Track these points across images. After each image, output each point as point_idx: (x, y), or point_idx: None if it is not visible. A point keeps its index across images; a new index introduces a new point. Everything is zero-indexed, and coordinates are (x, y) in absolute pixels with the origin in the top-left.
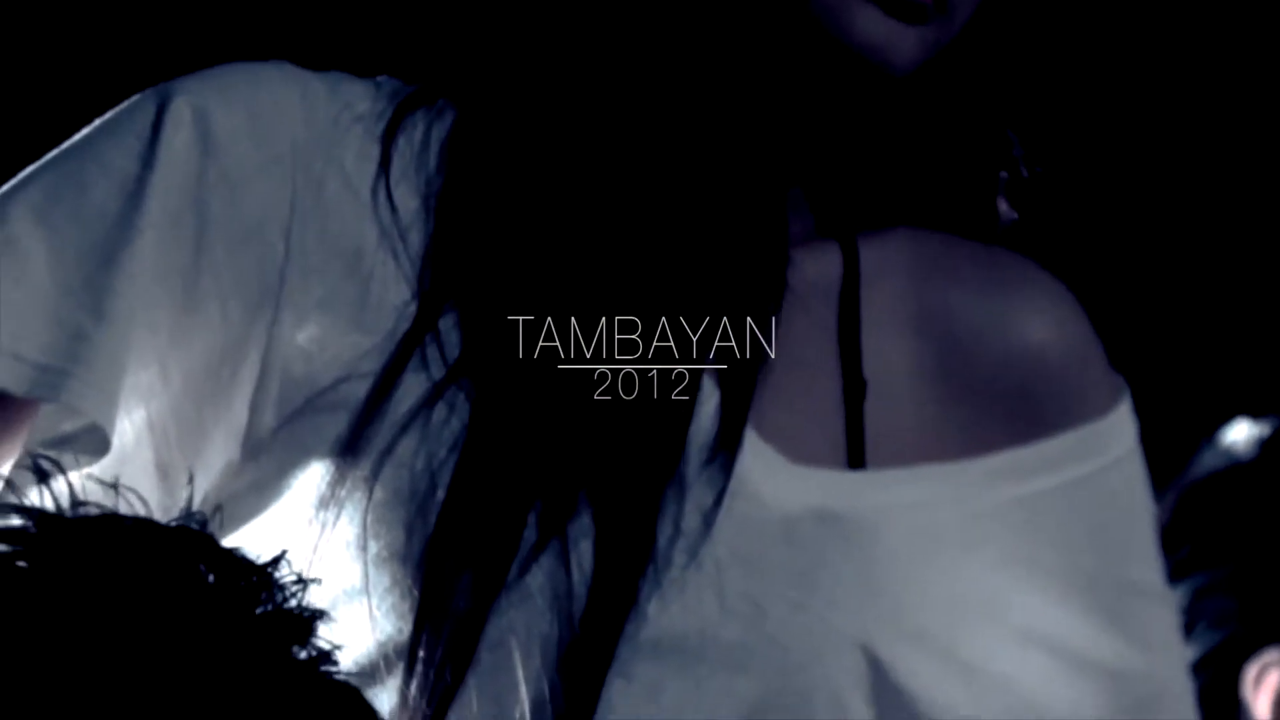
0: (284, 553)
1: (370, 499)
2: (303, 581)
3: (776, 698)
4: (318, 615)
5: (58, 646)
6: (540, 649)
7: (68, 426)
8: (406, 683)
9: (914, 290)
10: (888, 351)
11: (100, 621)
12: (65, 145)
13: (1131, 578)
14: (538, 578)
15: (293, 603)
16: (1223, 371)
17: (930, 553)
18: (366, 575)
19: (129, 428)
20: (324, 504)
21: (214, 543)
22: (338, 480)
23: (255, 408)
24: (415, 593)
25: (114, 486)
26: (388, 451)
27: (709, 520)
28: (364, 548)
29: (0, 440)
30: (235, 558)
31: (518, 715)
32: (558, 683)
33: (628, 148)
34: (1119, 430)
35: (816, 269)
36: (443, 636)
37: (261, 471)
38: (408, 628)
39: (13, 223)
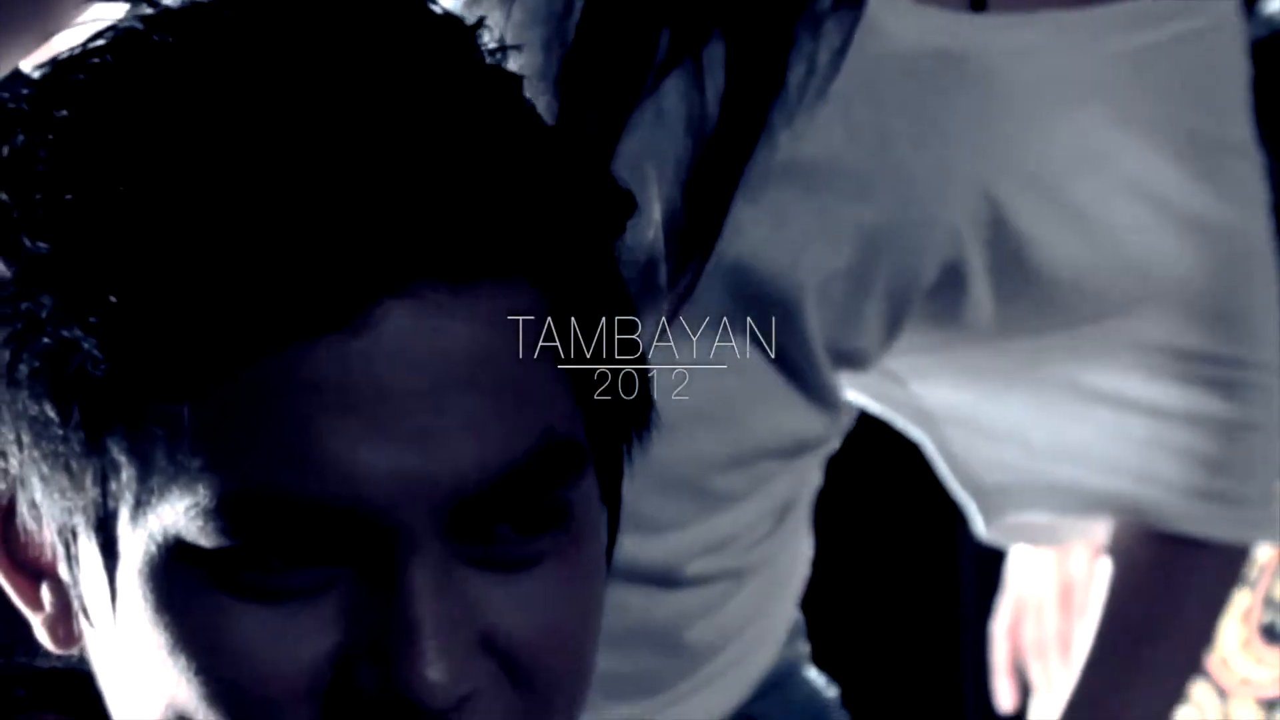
0: (483, 19)
1: (508, 19)
2: (503, 49)
3: (897, 229)
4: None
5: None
6: (673, 170)
7: None
8: None
9: None
10: None
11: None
12: None
13: (1228, 137)
14: (671, 99)
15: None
16: None
17: (1045, 99)
18: None
19: None
20: None
21: None
22: (473, 3)
23: None
24: (554, 108)
25: None
26: None
27: (839, 57)
28: None
29: None
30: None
31: (650, 235)
32: (686, 204)
33: None
34: None
35: None
36: None
37: None
38: None
39: None
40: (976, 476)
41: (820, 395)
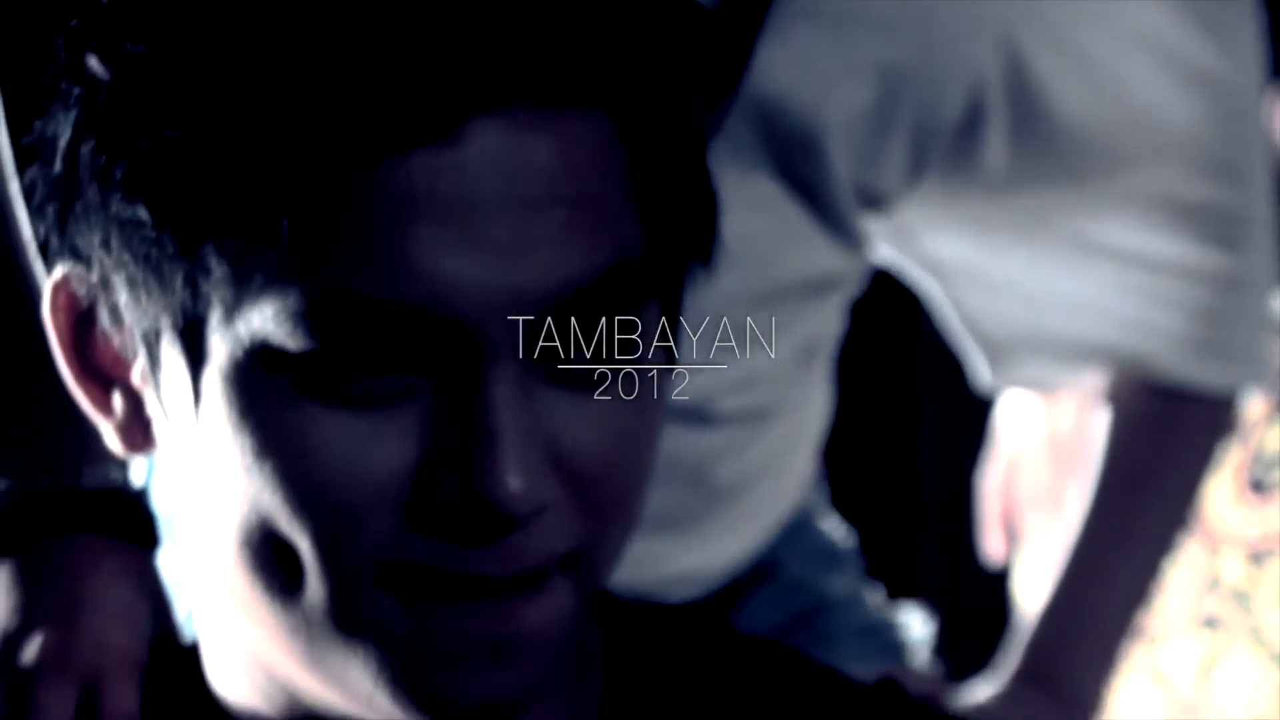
0: None
1: None
2: None
3: (921, 69)
4: None
5: None
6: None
7: None
8: None
9: None
10: None
11: None
12: None
13: None
14: None
15: None
16: None
17: None
18: None
19: None
20: None
21: None
22: None
23: None
24: None
25: None
26: None
27: None
28: None
29: None
30: None
31: None
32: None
33: None
34: None
35: None
36: None
37: None
38: None
39: None
40: (982, 328)
41: (844, 233)
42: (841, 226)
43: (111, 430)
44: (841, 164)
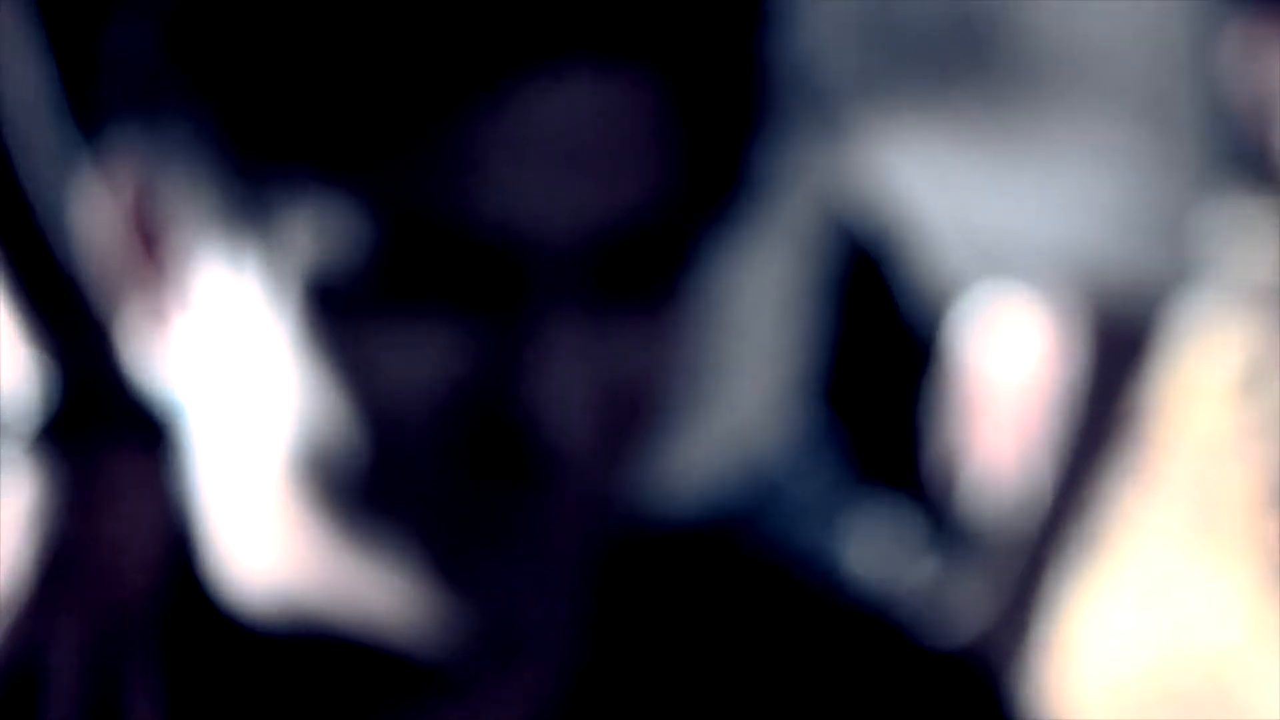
0: None
1: None
2: None
3: None
4: None
5: None
6: None
7: None
8: None
9: None
10: None
11: None
12: None
13: None
14: None
15: None
16: None
17: None
18: None
19: None
20: None
21: None
22: None
23: None
24: None
25: None
26: None
27: None
28: None
29: None
30: None
31: None
32: None
33: None
34: None
35: None
36: None
37: None
38: None
39: None
40: (944, 252)
41: None
42: None
43: (140, 317)
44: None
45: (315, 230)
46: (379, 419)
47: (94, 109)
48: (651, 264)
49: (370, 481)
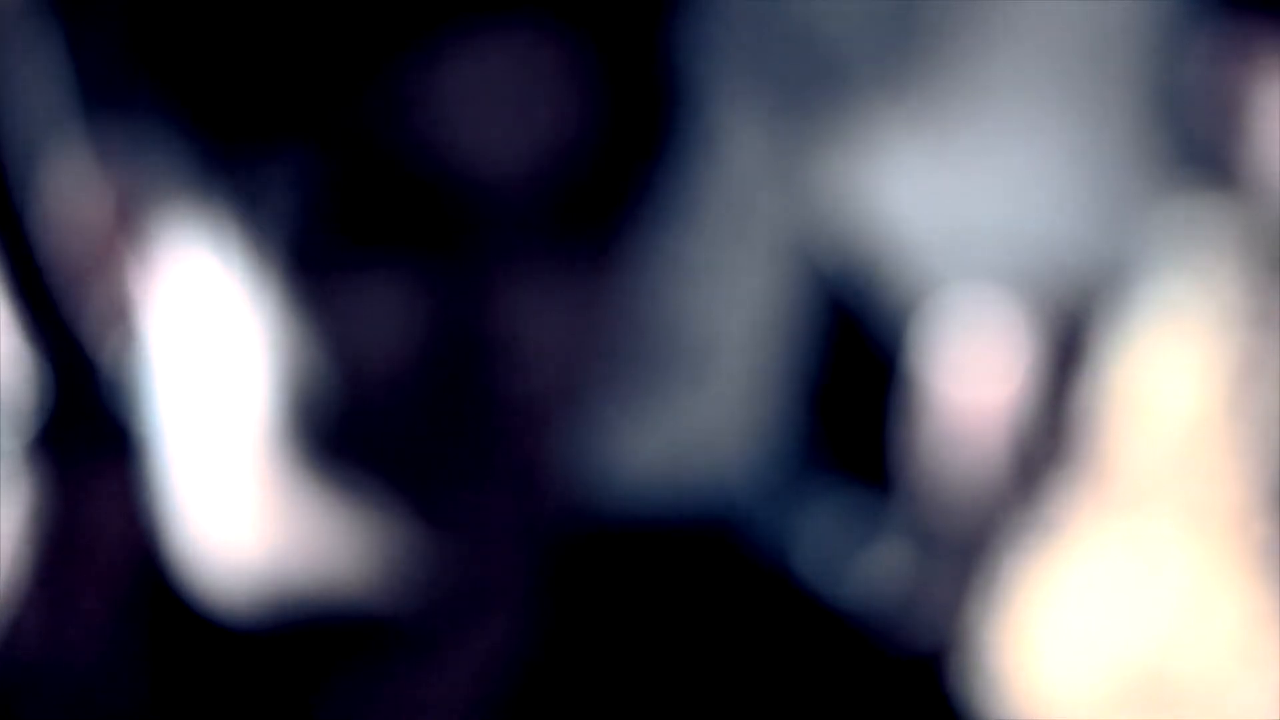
0: None
1: None
2: None
3: None
4: None
5: None
6: None
7: None
8: None
9: None
10: None
11: None
12: None
13: None
14: None
15: None
16: None
17: None
18: None
19: None
20: None
21: None
22: None
23: None
24: None
25: None
26: None
27: None
28: None
29: None
30: None
31: None
32: None
33: None
34: None
35: None
36: None
37: None
38: None
39: None
40: (906, 253)
41: None
42: None
43: (113, 303)
44: None
45: (280, 188)
46: (347, 369)
47: (60, 110)
48: (593, 208)
49: (339, 432)
